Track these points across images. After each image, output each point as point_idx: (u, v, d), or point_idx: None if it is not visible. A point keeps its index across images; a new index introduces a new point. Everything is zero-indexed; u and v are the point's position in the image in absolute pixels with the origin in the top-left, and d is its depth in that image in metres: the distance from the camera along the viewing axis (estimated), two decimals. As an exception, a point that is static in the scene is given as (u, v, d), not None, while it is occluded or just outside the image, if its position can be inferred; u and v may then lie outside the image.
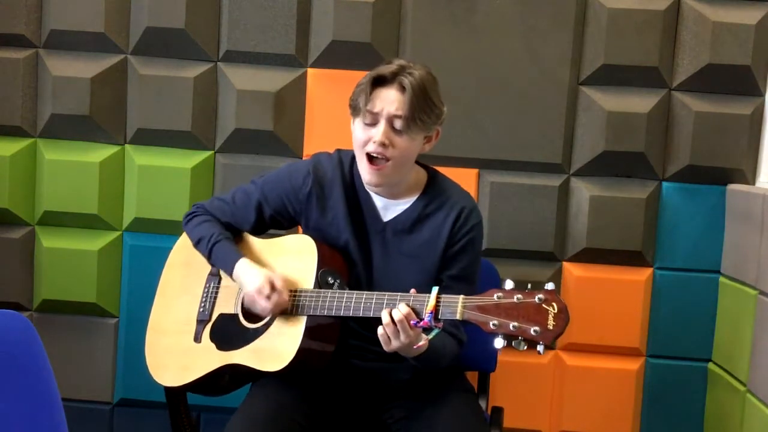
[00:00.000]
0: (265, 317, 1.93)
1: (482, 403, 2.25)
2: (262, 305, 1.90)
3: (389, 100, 1.86)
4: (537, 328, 1.63)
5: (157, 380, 2.04)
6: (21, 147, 2.65)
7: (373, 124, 1.87)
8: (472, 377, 2.26)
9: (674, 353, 2.59)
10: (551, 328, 1.63)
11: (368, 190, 1.99)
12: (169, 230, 2.61)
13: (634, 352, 2.59)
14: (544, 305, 1.63)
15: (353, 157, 1.98)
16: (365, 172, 1.91)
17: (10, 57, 2.62)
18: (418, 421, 1.93)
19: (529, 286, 1.68)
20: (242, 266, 1.96)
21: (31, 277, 2.70)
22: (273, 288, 1.89)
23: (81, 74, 2.60)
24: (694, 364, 2.59)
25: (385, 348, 1.78)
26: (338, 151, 2.04)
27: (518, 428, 2.60)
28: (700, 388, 2.59)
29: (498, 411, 2.27)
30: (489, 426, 2.12)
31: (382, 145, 1.86)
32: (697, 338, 2.57)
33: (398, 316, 1.73)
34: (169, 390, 2.10)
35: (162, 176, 2.62)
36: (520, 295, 1.65)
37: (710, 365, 2.58)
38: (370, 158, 1.88)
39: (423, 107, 1.85)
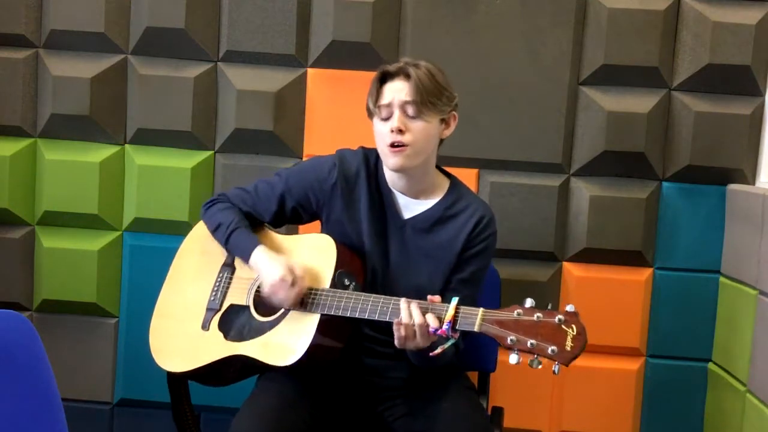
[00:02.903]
0: (284, 308, 1.93)
1: (482, 403, 2.25)
2: (285, 295, 1.89)
3: (398, 90, 1.92)
4: (555, 347, 1.64)
5: (159, 364, 2.04)
6: (21, 147, 2.65)
7: (389, 116, 1.93)
8: (472, 377, 2.26)
9: (674, 353, 2.59)
10: (569, 349, 1.65)
11: (391, 188, 2.02)
12: (169, 230, 2.61)
13: (634, 352, 2.59)
14: (563, 326, 1.65)
15: (378, 155, 2.02)
16: (389, 157, 1.93)
17: (10, 57, 2.62)
18: (420, 418, 1.94)
19: (549, 305, 1.70)
20: (260, 254, 1.97)
21: (31, 277, 2.70)
22: (294, 281, 1.89)
23: (81, 74, 2.60)
24: (694, 364, 2.59)
25: (398, 344, 1.80)
26: (362, 148, 2.08)
27: (518, 428, 2.60)
28: (700, 388, 2.59)
29: (498, 411, 2.28)
30: (490, 423, 2.13)
31: (399, 131, 1.90)
32: (697, 338, 2.57)
33: (419, 320, 1.75)
34: (171, 379, 2.11)
35: (162, 176, 2.62)
36: (540, 314, 1.67)
37: (710, 365, 2.58)
38: (392, 147, 1.92)
39: (431, 90, 1.91)
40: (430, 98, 1.91)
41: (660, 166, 2.55)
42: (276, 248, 2.06)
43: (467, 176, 2.52)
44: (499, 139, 2.55)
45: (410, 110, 1.91)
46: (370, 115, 1.97)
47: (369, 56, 2.52)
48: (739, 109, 2.51)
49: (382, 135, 1.94)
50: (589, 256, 2.57)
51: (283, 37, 2.57)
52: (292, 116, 2.60)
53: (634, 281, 2.57)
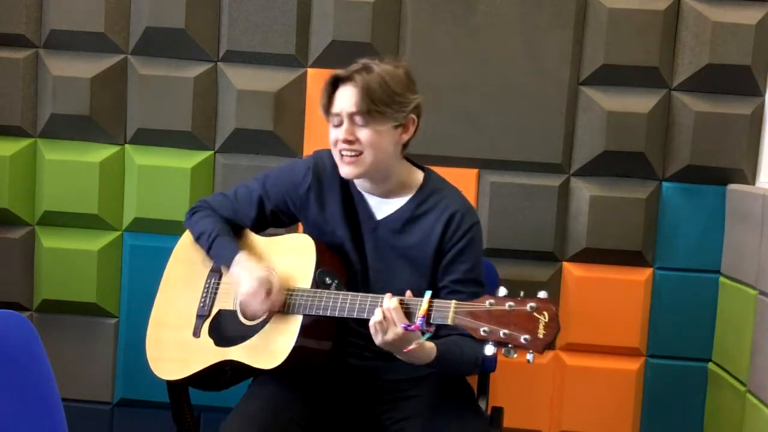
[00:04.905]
0: (257, 317, 1.94)
1: (482, 403, 2.25)
2: (255, 308, 1.91)
3: (345, 98, 1.89)
4: (527, 336, 1.62)
5: (155, 373, 2.05)
6: (21, 147, 2.65)
7: (339, 124, 1.91)
8: (472, 377, 2.26)
9: (674, 353, 2.59)
10: (541, 336, 1.62)
11: (359, 189, 2.01)
12: (169, 230, 2.61)
13: (634, 352, 2.59)
14: (535, 314, 1.63)
15: None
16: (341, 166, 1.93)
17: (10, 57, 2.62)
18: (415, 421, 1.93)
19: (522, 293, 1.67)
20: (239, 263, 1.96)
21: (31, 277, 2.70)
22: (268, 293, 1.89)
23: (81, 74, 2.60)
24: (694, 364, 2.59)
25: (375, 341, 1.77)
26: None
27: (518, 428, 2.60)
28: (700, 388, 2.59)
29: (498, 411, 2.27)
30: (489, 425, 2.12)
31: (348, 141, 1.89)
32: (697, 338, 2.57)
33: (389, 306, 1.73)
34: (171, 384, 2.11)
35: (162, 176, 2.62)
36: (512, 303, 1.65)
37: (710, 365, 2.58)
38: (342, 156, 1.91)
39: (379, 98, 1.86)
40: (377, 108, 1.86)
41: (660, 166, 2.55)
42: (257, 251, 2.06)
43: (467, 176, 2.52)
44: (499, 139, 2.55)
45: (357, 120, 1.88)
46: (326, 118, 1.96)
47: (369, 56, 2.51)
48: (739, 109, 2.51)
49: (332, 141, 1.93)
50: (589, 256, 2.57)
51: (283, 37, 2.57)
52: (292, 116, 2.60)
53: (634, 281, 2.57)
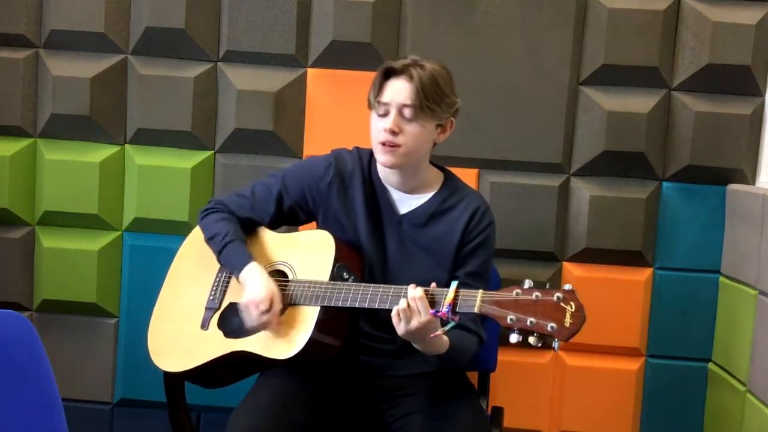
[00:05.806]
0: (246, 328, 1.93)
1: (482, 403, 2.26)
2: (253, 317, 1.90)
3: (398, 90, 1.92)
4: (554, 324, 1.66)
5: (158, 365, 2.05)
6: (21, 147, 2.65)
7: (385, 114, 1.93)
8: (472, 377, 2.26)
9: (674, 353, 2.59)
10: (568, 325, 1.66)
11: (385, 185, 2.04)
12: (169, 230, 2.61)
13: (634, 352, 2.60)
14: (562, 303, 1.67)
15: (371, 154, 2.04)
16: (379, 154, 1.95)
17: (10, 57, 2.62)
18: (419, 418, 1.94)
19: (548, 285, 1.72)
20: (251, 271, 1.97)
21: (31, 277, 2.70)
22: (270, 307, 1.90)
23: (81, 74, 2.60)
24: (694, 364, 2.59)
25: (397, 330, 1.78)
26: (356, 148, 2.10)
27: (518, 428, 2.60)
28: (700, 388, 2.59)
29: (498, 411, 2.28)
30: (489, 421, 2.13)
31: (392, 132, 1.91)
32: (697, 338, 2.57)
33: (414, 295, 1.74)
34: (168, 382, 2.11)
35: (162, 176, 2.62)
36: (538, 293, 1.69)
37: (710, 365, 2.58)
38: (383, 145, 1.93)
39: (432, 96, 1.91)
40: (428, 104, 1.91)
41: (660, 166, 2.55)
42: (275, 247, 2.07)
43: (467, 176, 2.51)
44: (499, 139, 2.55)
45: (407, 113, 1.91)
46: (370, 106, 1.98)
47: (369, 56, 2.52)
48: (739, 109, 2.51)
49: (376, 131, 1.95)
50: (589, 256, 2.57)
51: (283, 37, 2.57)
52: (292, 116, 2.60)
53: (634, 281, 2.57)
